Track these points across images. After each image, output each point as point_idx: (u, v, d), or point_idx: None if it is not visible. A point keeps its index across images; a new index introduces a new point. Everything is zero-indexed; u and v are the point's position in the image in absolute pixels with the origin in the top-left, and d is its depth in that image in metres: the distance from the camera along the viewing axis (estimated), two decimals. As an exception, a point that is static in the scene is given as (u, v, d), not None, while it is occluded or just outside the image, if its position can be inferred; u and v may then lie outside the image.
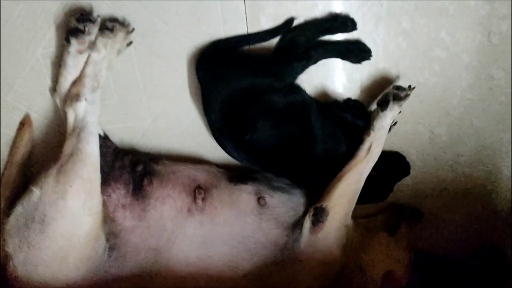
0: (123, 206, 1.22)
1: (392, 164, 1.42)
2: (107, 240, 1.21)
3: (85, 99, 1.16)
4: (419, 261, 1.44)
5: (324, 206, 1.28)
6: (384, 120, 1.28)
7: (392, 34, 1.30)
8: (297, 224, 1.30)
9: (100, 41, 1.15)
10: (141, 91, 1.29)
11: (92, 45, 1.15)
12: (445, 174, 1.52)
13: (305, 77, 1.30)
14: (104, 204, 1.22)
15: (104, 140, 1.27)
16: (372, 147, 1.28)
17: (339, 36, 1.29)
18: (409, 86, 1.30)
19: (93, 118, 1.18)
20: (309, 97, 1.28)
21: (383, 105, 1.28)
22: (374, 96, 1.36)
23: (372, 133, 1.28)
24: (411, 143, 1.47)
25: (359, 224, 1.46)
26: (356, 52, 1.29)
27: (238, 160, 1.28)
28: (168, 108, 1.33)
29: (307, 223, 1.28)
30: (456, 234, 1.59)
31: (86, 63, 1.17)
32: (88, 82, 1.17)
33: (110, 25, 1.15)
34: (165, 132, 1.36)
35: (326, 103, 1.32)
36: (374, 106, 1.33)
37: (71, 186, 1.15)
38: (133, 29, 1.19)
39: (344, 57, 1.29)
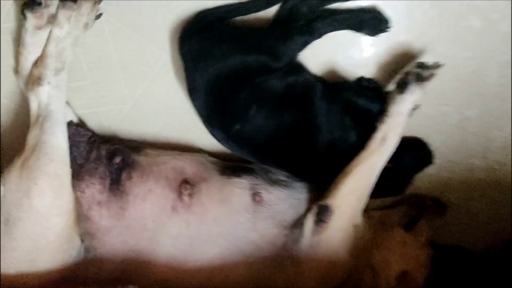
0: (99, 203, 1.09)
1: (411, 153, 1.22)
2: (82, 241, 1.09)
3: (48, 83, 1.01)
4: (439, 255, 1.29)
5: (328, 204, 1.11)
6: (403, 105, 1.07)
7: (417, -1, 1.07)
8: (298, 223, 1.14)
9: (62, 14, 0.98)
10: (118, 71, 1.13)
11: (53, 19, 0.97)
12: (474, 162, 1.33)
13: (310, 53, 1.10)
14: (77, 201, 1.09)
15: (77, 127, 1.13)
16: (387, 136, 1.09)
17: (350, 4, 1.06)
18: (436, 63, 1.09)
19: (58, 104, 1.03)
20: (313, 78, 1.08)
21: (402, 87, 1.07)
22: (392, 75, 1.16)
23: (388, 120, 1.09)
24: (436, 128, 1.27)
25: (372, 217, 1.27)
26: (372, 23, 1.07)
27: (231, 150, 1.10)
28: (150, 89, 1.16)
29: (309, 222, 1.12)
30: (483, 227, 1.42)
31: (47, 40, 0.99)
32: (50, 62, 1.01)
33: (74, -6, 0.96)
34: (149, 117, 1.20)
35: (334, 84, 1.11)
36: (392, 87, 1.11)
37: (35, 184, 1.02)
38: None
39: (356, 29, 1.08)
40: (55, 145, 1.02)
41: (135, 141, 1.22)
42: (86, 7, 1.00)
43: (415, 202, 1.33)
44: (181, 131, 1.22)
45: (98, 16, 1.05)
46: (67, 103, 1.15)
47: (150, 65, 1.14)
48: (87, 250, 1.09)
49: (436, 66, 1.09)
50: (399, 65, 1.15)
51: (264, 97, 1.01)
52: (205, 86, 1.01)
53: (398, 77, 1.11)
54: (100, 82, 1.14)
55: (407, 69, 1.10)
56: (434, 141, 1.27)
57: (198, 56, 1.00)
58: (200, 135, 1.19)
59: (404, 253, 1.25)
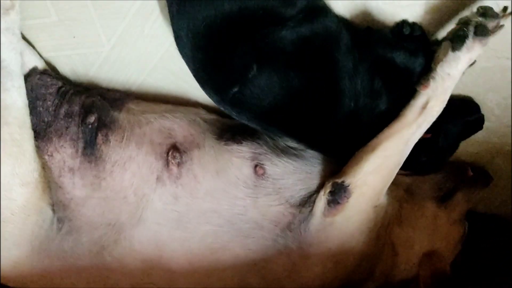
0: (71, 170, 0.93)
1: (456, 118, 0.98)
2: (54, 211, 0.95)
3: None
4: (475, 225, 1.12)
5: (346, 183, 0.91)
6: (456, 65, 0.83)
7: None
8: (308, 201, 0.95)
9: None
10: (89, 7, 0.88)
11: None
12: (535, 127, 1.07)
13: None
14: (46, 167, 0.93)
15: (43, 75, 0.93)
16: (429, 104, 0.86)
17: None
18: (505, 8, 0.82)
19: (10, 53, 0.84)
20: (337, 24, 0.82)
21: (457, 41, 0.82)
22: (444, 23, 0.88)
23: (433, 84, 0.85)
24: (492, 85, 1.01)
25: (399, 185, 1.07)
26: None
27: (229, 115, 0.88)
28: (132, 29, 0.93)
29: (321, 202, 0.94)
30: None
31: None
32: None
33: None
34: (133, 62, 0.98)
35: (364, 33, 0.85)
36: (443, 39, 0.84)
37: None
38: None
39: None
40: (9, 105, 0.85)
41: (117, 91, 1.01)
42: None
43: (453, 171, 1.11)
44: (172, 80, 1.02)
45: None
46: (31, 44, 0.93)
47: (129, 0, 0.88)
48: (60, 220, 0.95)
49: (505, 13, 0.82)
50: (457, 9, 0.86)
51: (268, 54, 0.77)
52: (192, 38, 0.77)
53: (452, 26, 0.83)
54: (68, 20, 0.92)
55: (464, 17, 0.83)
56: (486, 101, 1.04)
57: (184, -1, 0.74)
58: (195, 84, 0.96)
59: (433, 231, 1.07)
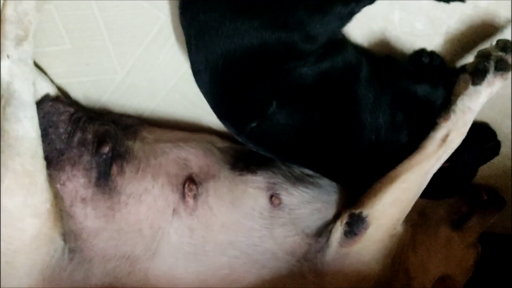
0: (83, 200, 0.91)
1: (474, 145, 0.96)
2: (65, 241, 0.92)
3: (8, 56, 0.81)
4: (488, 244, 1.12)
5: (364, 215, 0.90)
6: (476, 99, 0.82)
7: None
8: (324, 231, 0.94)
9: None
10: (103, 35, 0.88)
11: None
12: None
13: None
14: (58, 196, 0.91)
15: (55, 103, 0.92)
16: (449, 137, 0.86)
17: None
18: (526, 43, 0.80)
19: (22, 83, 0.83)
20: (357, 56, 0.81)
21: (477, 75, 0.81)
22: (463, 53, 0.87)
23: (453, 117, 0.84)
24: (506, 112, 1.00)
25: (414, 209, 1.05)
26: (445, -17, 0.75)
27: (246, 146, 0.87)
28: (146, 57, 0.92)
29: (338, 232, 0.93)
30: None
31: (3, 1, 0.75)
32: (9, 30, 0.79)
33: None
34: (146, 88, 0.97)
35: (385, 65, 0.83)
36: (463, 71, 0.83)
37: (2, 182, 0.84)
38: None
39: (423, -10, 0.77)
40: (20, 136, 0.83)
41: (130, 117, 0.99)
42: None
43: (468, 195, 1.10)
44: (185, 105, 1.00)
45: (69, -33, 0.77)
46: (43, 71, 0.92)
47: (145, 29, 0.88)
48: (72, 251, 0.93)
49: (527, 47, 0.80)
50: (476, 40, 0.86)
51: (288, 91, 0.75)
52: (210, 72, 0.75)
53: (472, 60, 0.82)
54: (83, 48, 0.90)
55: (485, 50, 0.81)
56: (502, 127, 1.02)
57: (203, 32, 0.73)
58: (209, 110, 0.94)
59: (447, 255, 1.07)
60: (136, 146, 0.94)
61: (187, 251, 0.93)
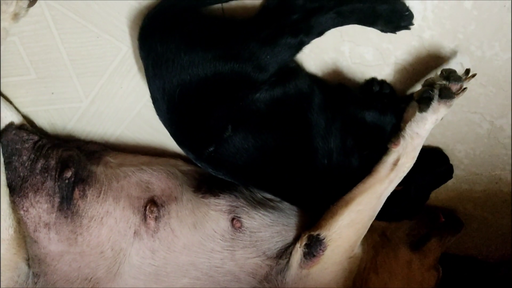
0: (46, 225, 0.92)
1: (427, 170, 1.00)
2: (29, 266, 0.94)
3: None
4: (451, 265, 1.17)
5: (321, 236, 0.93)
6: (423, 125, 0.86)
7: (453, -12, 0.81)
8: (284, 253, 0.96)
9: (-18, 3, 0.73)
10: (67, 64, 0.91)
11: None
12: (501, 174, 1.13)
13: (307, 47, 0.86)
14: (22, 222, 0.92)
15: (19, 131, 0.93)
16: (400, 161, 0.90)
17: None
18: (467, 71, 0.86)
19: None
20: (309, 85, 0.85)
21: (423, 103, 0.86)
22: (412, 81, 0.92)
23: (403, 142, 0.88)
24: (460, 137, 1.05)
25: (374, 231, 1.08)
26: (389, 17, 0.82)
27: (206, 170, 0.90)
28: (109, 86, 0.95)
29: (297, 254, 0.95)
30: (500, 240, 1.25)
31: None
32: None
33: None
34: (111, 116, 0.99)
35: (336, 92, 0.88)
36: (410, 99, 0.88)
37: None
38: (33, -18, 0.76)
39: (369, 24, 0.82)
40: None
41: (94, 143, 1.02)
42: (11, -7, 0.76)
43: (426, 217, 1.13)
44: (150, 132, 1.03)
45: (32, 2, 0.81)
46: (8, 99, 0.94)
47: (107, 59, 0.92)
48: (36, 275, 0.94)
49: (468, 75, 0.86)
50: (422, 69, 0.91)
51: (243, 116, 0.79)
52: (167, 101, 0.79)
53: (419, 89, 0.87)
54: (47, 77, 0.93)
55: (430, 80, 0.86)
56: (456, 152, 1.07)
57: (160, 63, 0.77)
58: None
59: (408, 276, 1.09)
60: (99, 170, 0.96)
61: (148, 272, 0.94)
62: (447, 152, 1.07)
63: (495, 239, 1.24)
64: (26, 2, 0.81)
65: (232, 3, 0.83)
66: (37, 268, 0.94)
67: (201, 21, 0.79)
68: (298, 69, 0.86)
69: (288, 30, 0.78)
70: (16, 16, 0.81)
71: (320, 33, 0.81)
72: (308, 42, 0.80)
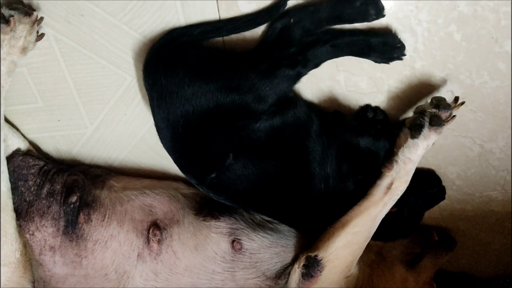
0: (52, 249, 0.95)
1: (420, 191, 1.04)
2: (35, 288, 0.94)
3: None
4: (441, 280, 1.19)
5: (319, 257, 0.96)
6: (415, 151, 0.90)
7: (442, 21, 0.85)
8: (283, 273, 0.99)
9: (-7, 38, 0.77)
10: (73, 93, 0.95)
11: (-19, 44, 0.77)
12: (492, 194, 1.17)
13: (305, 77, 0.90)
14: (27, 245, 0.95)
15: (25, 157, 0.97)
16: (393, 185, 0.93)
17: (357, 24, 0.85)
18: (456, 99, 0.89)
19: None
20: (306, 113, 0.89)
21: (414, 129, 0.89)
22: (405, 108, 0.97)
23: (396, 167, 0.92)
24: (452, 160, 1.09)
25: (370, 250, 1.12)
26: (382, 49, 0.86)
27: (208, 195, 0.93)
28: (113, 113, 0.98)
29: (296, 274, 0.98)
30: (493, 257, 1.29)
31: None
32: None
33: (7, 13, 0.75)
34: (115, 141, 1.02)
35: (332, 120, 0.91)
36: (403, 126, 0.92)
37: None
38: (42, 18, 0.79)
39: (363, 55, 0.86)
40: None
41: (98, 167, 1.05)
42: (22, 29, 0.80)
43: (420, 236, 1.17)
44: (152, 156, 1.06)
45: (40, 37, 0.84)
46: (15, 126, 0.97)
47: (112, 88, 0.95)
48: (41, 297, 0.96)
49: (457, 103, 0.90)
50: (414, 97, 0.95)
51: (243, 145, 0.82)
52: (171, 130, 0.82)
53: (410, 116, 0.91)
54: (54, 105, 0.97)
55: (421, 108, 0.90)
56: (448, 173, 1.11)
57: (165, 95, 0.81)
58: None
59: (403, 294, 1.11)
60: (103, 194, 0.99)
61: None
62: (440, 173, 1.10)
63: (488, 256, 1.27)
64: (34, 37, 0.84)
65: (233, 36, 0.87)
66: (42, 290, 0.97)
67: (203, 54, 0.83)
68: (296, 98, 0.90)
69: (286, 63, 0.82)
70: (24, 50, 0.84)
71: (316, 65, 0.85)
72: (305, 74, 0.84)
